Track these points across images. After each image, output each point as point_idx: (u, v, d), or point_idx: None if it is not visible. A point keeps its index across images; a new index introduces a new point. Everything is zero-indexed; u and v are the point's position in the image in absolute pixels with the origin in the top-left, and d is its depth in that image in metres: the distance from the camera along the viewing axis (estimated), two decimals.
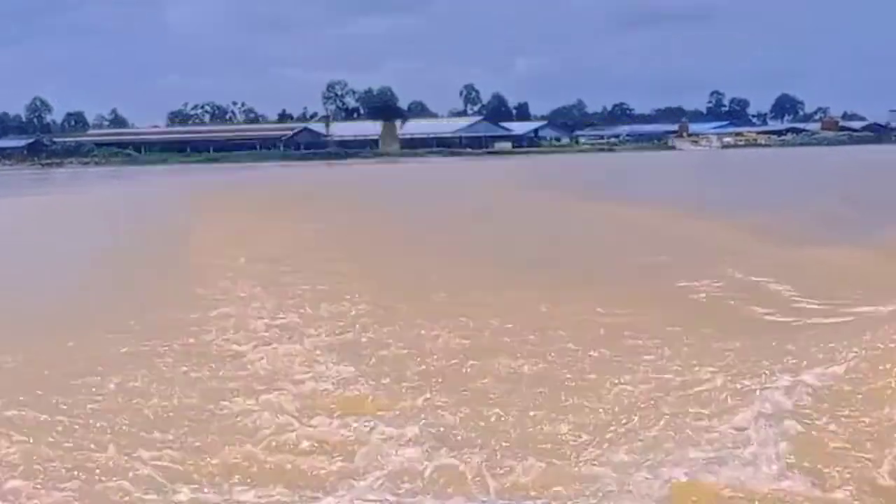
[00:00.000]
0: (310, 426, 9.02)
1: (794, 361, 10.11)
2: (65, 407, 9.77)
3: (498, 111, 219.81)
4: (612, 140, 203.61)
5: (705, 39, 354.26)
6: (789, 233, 25.75)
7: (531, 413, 9.29)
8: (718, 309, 15.09)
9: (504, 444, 8.45)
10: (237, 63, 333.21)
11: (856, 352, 9.87)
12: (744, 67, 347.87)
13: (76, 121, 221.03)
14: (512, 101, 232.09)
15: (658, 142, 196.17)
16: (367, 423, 8.98)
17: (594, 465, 7.84)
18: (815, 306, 14.85)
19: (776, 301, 15.46)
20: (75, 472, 7.93)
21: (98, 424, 9.24)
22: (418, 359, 11.59)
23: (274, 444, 8.57)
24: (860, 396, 8.68)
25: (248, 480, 7.83)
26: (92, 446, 8.54)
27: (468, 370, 11.05)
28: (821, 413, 8.33)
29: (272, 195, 53.57)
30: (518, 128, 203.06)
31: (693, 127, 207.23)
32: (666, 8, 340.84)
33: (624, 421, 8.82)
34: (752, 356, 10.83)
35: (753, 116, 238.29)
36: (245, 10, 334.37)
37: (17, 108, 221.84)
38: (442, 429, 8.82)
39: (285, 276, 19.28)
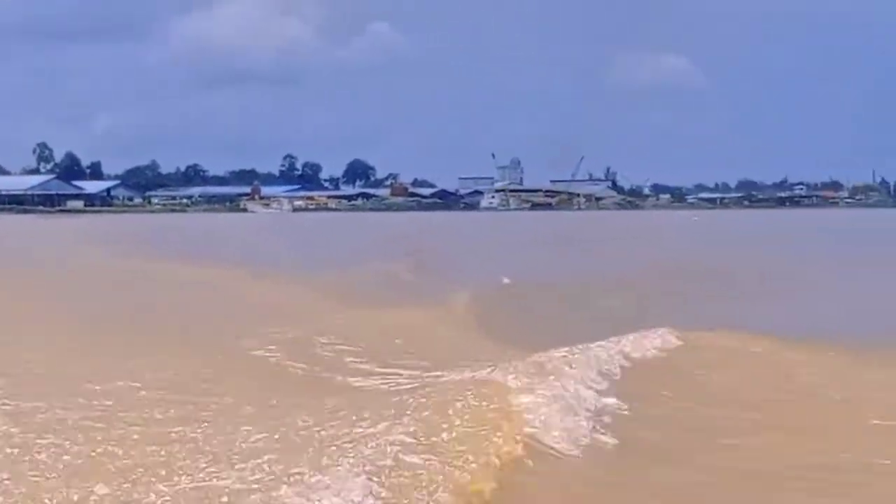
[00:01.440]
0: None
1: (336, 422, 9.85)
2: None
3: (71, 170, 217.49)
4: (185, 201, 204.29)
5: (282, 103, 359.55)
6: (353, 293, 25.65)
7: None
8: (281, 370, 14.48)
9: None
10: None
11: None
12: (318, 132, 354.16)
13: None
14: (86, 160, 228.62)
15: (231, 203, 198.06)
16: None
17: None
18: (366, 368, 14.67)
19: (330, 362, 15.08)
20: None
21: None
22: None
23: None
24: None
25: None
26: None
27: None
28: None
29: None
30: (91, 187, 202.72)
31: (266, 190, 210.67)
32: (246, 70, 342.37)
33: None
34: (301, 416, 10.32)
35: (326, 181, 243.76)
36: None
37: None
38: None
39: None
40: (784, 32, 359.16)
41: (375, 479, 7.93)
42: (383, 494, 7.72)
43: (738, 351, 16.01)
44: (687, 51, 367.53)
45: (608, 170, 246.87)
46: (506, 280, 28.43)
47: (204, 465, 8.54)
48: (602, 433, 10.44)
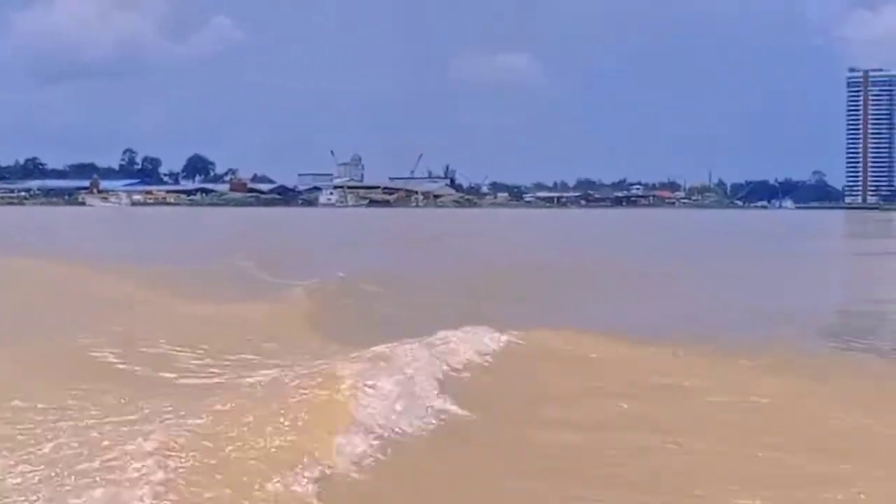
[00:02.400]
0: None
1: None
2: None
3: None
4: (23, 194, 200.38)
5: (122, 97, 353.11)
6: (186, 288, 25.62)
7: None
8: (105, 367, 14.40)
9: None
10: None
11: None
12: (159, 126, 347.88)
13: None
14: None
15: (69, 197, 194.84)
16: None
17: None
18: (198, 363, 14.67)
19: (155, 357, 15.01)
20: None
21: None
22: None
23: None
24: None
25: None
26: None
27: None
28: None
29: None
30: None
31: (105, 184, 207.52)
32: (87, 64, 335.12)
33: None
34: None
35: (166, 175, 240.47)
36: None
37: None
38: None
39: None
40: (625, 34, 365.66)
41: (192, 475, 8.05)
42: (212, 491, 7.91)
43: (565, 348, 16.12)
44: (529, 49, 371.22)
45: (447, 167, 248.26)
46: (341, 275, 28.59)
47: None
48: (433, 423, 10.73)
